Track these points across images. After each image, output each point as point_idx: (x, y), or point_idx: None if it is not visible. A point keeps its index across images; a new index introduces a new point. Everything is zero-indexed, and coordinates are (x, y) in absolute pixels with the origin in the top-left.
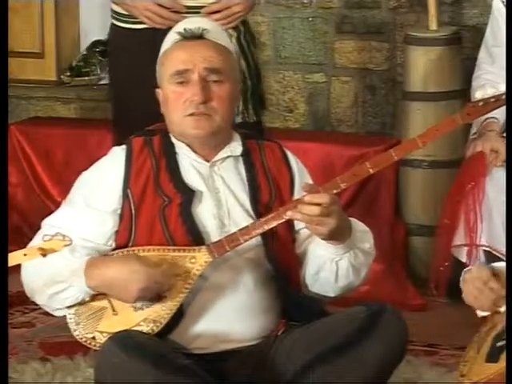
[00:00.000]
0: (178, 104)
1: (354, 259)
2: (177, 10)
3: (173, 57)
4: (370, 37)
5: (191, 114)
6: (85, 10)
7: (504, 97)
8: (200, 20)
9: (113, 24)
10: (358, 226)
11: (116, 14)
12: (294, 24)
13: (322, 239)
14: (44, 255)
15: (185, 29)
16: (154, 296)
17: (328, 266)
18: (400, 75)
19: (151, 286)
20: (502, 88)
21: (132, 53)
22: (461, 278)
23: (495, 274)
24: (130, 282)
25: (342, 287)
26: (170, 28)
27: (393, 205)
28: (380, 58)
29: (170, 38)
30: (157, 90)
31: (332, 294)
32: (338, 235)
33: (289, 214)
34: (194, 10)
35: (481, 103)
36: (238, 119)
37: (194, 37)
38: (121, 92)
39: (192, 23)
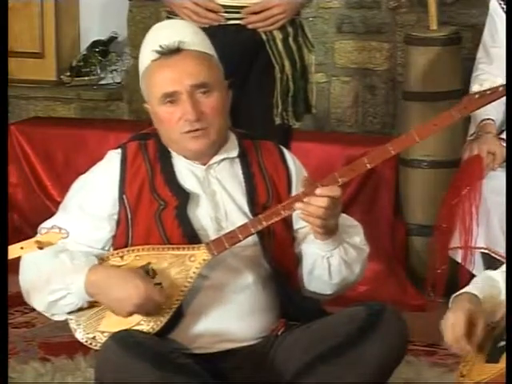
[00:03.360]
0: (172, 123)
1: (345, 254)
2: (213, 9)
3: (157, 78)
4: (370, 37)
5: (187, 132)
6: (85, 10)
7: (500, 89)
8: (173, 30)
9: None
10: (346, 220)
11: (168, 13)
12: None
13: (319, 234)
14: (41, 248)
15: (161, 46)
16: (147, 312)
17: (320, 264)
18: (400, 75)
19: (147, 304)
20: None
21: None
22: (449, 304)
23: (475, 312)
24: (127, 296)
25: (337, 284)
26: (211, 27)
27: (393, 205)
28: (380, 58)
29: (147, 56)
30: (145, 105)
31: (329, 292)
32: (331, 230)
33: (297, 206)
34: (233, 10)
35: (477, 96)
36: (278, 120)
37: (171, 52)
38: None
39: (165, 37)
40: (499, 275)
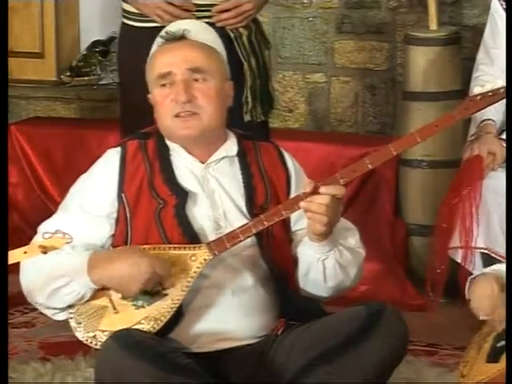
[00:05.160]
0: (165, 105)
1: (340, 257)
2: (187, 8)
3: (156, 61)
4: (370, 37)
5: (178, 115)
6: (85, 10)
7: (502, 90)
8: (183, 21)
9: (123, 23)
10: (341, 223)
11: (126, 13)
12: (294, 24)
13: (317, 234)
14: (45, 252)
15: (166, 31)
16: (155, 289)
17: (315, 266)
18: (400, 75)
19: (152, 279)
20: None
21: (142, 51)
22: (467, 287)
23: (502, 283)
24: (131, 276)
25: (333, 287)
26: None
27: (393, 205)
28: (380, 58)
29: (155, 43)
30: (148, 95)
31: (324, 295)
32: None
33: (302, 205)
34: (204, 9)
35: (478, 97)
36: (247, 117)
37: (175, 38)
38: (129, 91)
39: (174, 25)
40: (504, 268)
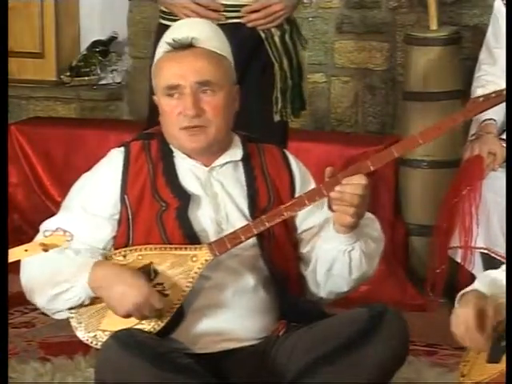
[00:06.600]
0: (173, 117)
1: (366, 247)
2: (214, 8)
3: (164, 70)
4: (370, 37)
5: (186, 128)
6: (85, 10)
7: (504, 92)
8: (190, 25)
9: (159, 23)
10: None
11: (163, 13)
12: None
13: (344, 226)
14: (46, 250)
15: (173, 39)
16: (143, 316)
17: (341, 259)
18: (400, 75)
19: (145, 306)
20: (503, 86)
21: None
22: (456, 301)
23: (484, 306)
24: (128, 293)
25: (356, 279)
26: None
27: (393, 205)
28: (380, 58)
29: (161, 48)
30: (154, 97)
31: (345, 289)
32: (356, 222)
33: (333, 195)
34: (233, 9)
35: (481, 99)
36: (277, 117)
37: (183, 47)
38: None
39: (181, 32)
40: (501, 274)
